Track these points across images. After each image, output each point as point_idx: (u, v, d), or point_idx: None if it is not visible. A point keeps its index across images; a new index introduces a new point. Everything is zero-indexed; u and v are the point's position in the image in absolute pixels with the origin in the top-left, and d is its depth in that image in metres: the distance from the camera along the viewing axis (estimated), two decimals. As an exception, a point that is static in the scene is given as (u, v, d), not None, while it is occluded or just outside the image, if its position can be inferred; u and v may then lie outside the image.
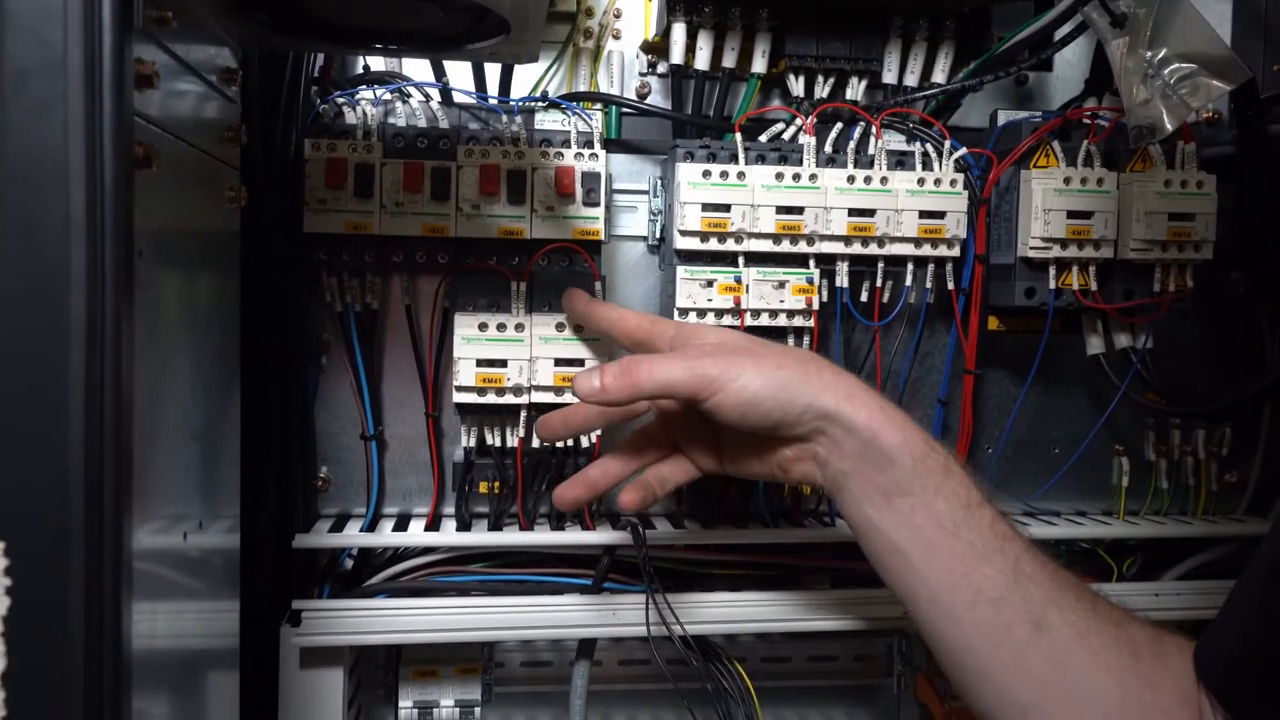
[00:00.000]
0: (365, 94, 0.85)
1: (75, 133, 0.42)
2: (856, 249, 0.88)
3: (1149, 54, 0.80)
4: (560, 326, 0.84)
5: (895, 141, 0.91)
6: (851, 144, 0.89)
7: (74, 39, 0.42)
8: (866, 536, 0.67)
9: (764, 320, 0.87)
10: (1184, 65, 0.80)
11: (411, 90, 0.87)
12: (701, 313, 0.86)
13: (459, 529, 0.89)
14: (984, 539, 0.62)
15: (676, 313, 0.86)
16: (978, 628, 0.62)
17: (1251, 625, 0.59)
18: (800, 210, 0.86)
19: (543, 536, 0.88)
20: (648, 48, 0.93)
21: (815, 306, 0.87)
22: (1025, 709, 0.61)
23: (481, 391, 0.84)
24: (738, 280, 0.86)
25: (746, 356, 0.65)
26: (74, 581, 0.42)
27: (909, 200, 0.87)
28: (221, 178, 0.68)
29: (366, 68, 0.89)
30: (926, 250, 0.88)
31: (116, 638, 0.44)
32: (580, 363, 0.84)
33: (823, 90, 0.91)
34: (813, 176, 0.86)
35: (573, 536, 0.88)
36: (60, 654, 0.42)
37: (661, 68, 0.93)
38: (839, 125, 0.90)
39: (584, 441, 0.88)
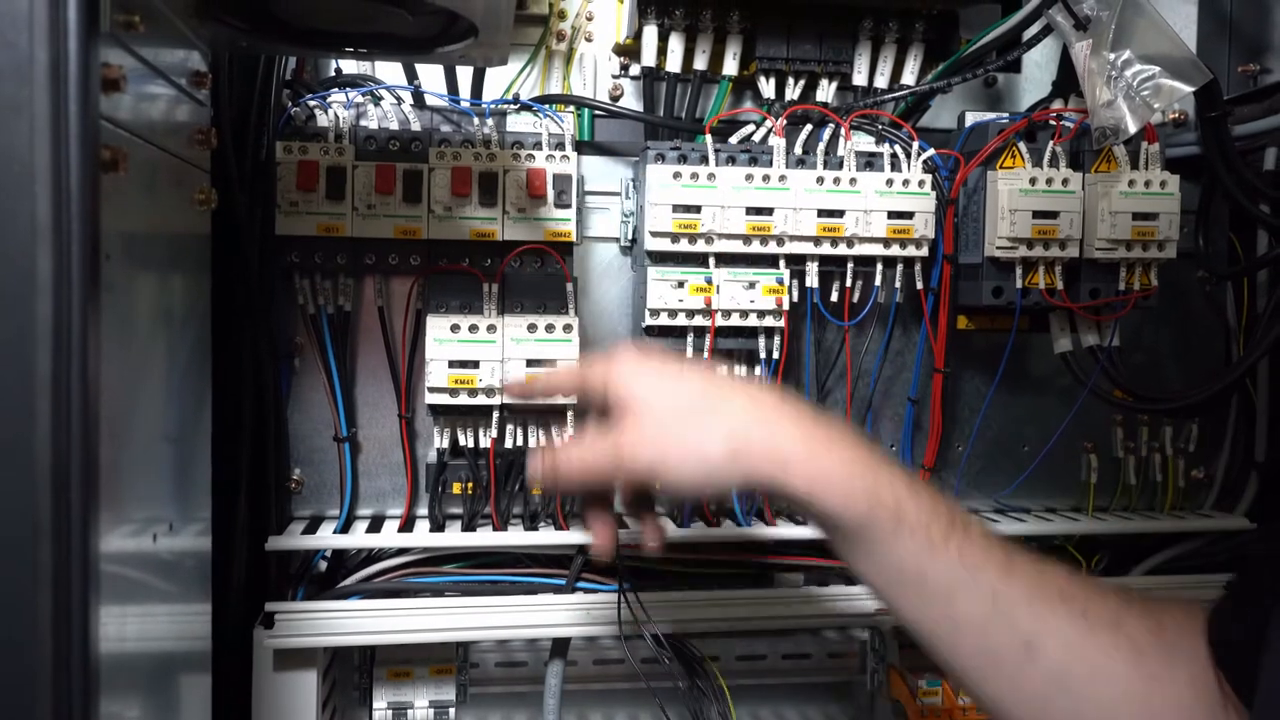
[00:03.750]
0: (337, 97, 0.86)
1: (41, 136, 0.42)
2: (826, 249, 0.89)
3: (1112, 56, 0.81)
4: (532, 327, 0.84)
5: (864, 143, 0.91)
6: (821, 145, 0.90)
7: (39, 43, 0.42)
8: (852, 572, 0.66)
9: (735, 320, 0.87)
10: (1146, 67, 0.81)
11: (383, 93, 0.87)
12: (673, 313, 0.87)
13: (432, 530, 0.89)
14: (954, 575, 0.59)
15: (648, 314, 0.86)
16: (969, 657, 0.61)
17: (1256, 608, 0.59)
18: (770, 211, 0.87)
19: (516, 537, 0.88)
20: (620, 50, 0.94)
21: (786, 307, 0.88)
22: None
23: (454, 392, 0.84)
24: (708, 281, 0.87)
25: (673, 439, 0.61)
26: (41, 583, 0.42)
27: (878, 201, 0.88)
28: (192, 181, 0.68)
29: (338, 70, 0.90)
30: (895, 250, 0.89)
31: (84, 639, 0.44)
32: (552, 363, 0.85)
33: (793, 92, 0.92)
34: (782, 178, 0.87)
35: (546, 537, 0.89)
36: (28, 655, 0.42)
37: (634, 70, 0.94)
38: (809, 127, 0.91)
39: (556, 442, 0.88)
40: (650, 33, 0.89)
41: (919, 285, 0.92)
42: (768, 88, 0.92)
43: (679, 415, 0.61)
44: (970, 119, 0.94)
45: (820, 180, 0.87)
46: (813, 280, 0.90)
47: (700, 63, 0.91)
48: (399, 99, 0.87)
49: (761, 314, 0.88)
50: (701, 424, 0.60)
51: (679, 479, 0.61)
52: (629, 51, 0.93)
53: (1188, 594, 0.97)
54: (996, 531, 0.64)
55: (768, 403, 0.62)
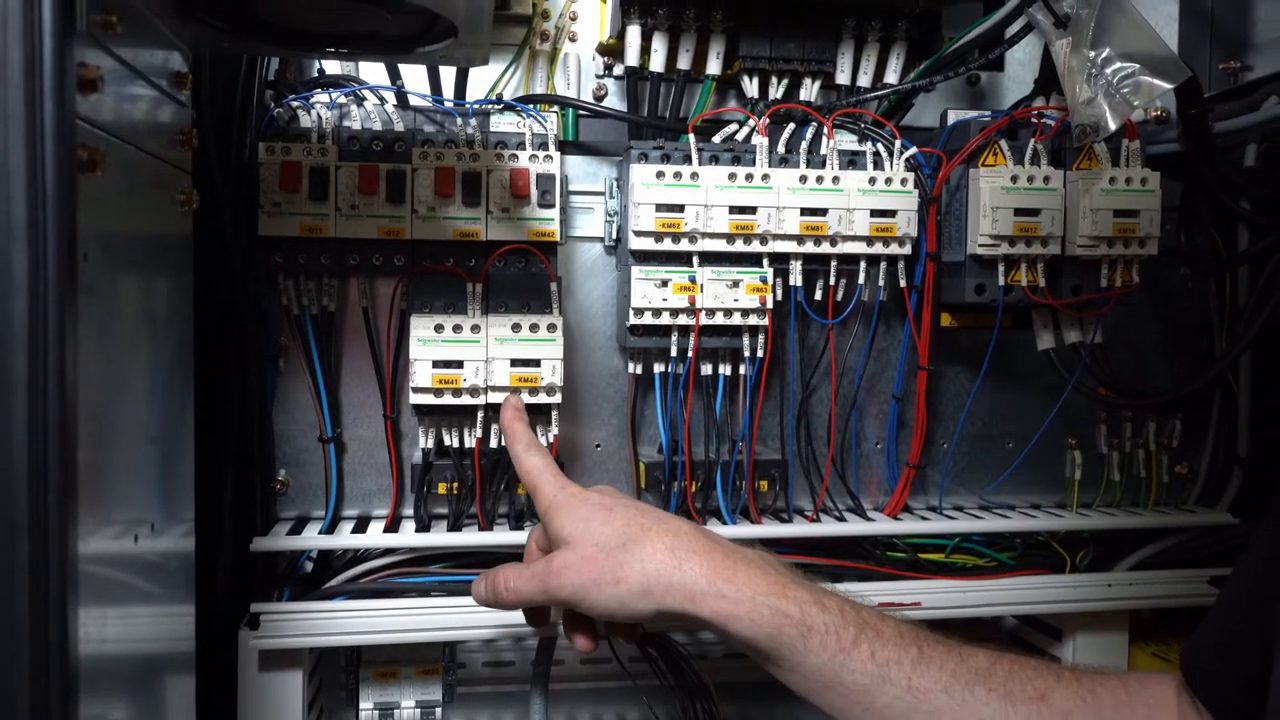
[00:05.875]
0: (320, 97, 0.86)
1: (15, 136, 0.42)
2: (809, 248, 0.89)
3: (1092, 54, 0.82)
4: (516, 327, 0.84)
5: (847, 141, 0.92)
6: (804, 144, 0.90)
7: (13, 42, 0.42)
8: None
9: (719, 319, 0.88)
10: (1126, 64, 0.81)
11: (366, 93, 0.87)
12: (657, 312, 0.87)
13: (418, 530, 0.89)
14: (868, 674, 0.64)
15: (632, 313, 0.87)
16: None
17: (1238, 627, 0.62)
18: (753, 210, 0.87)
19: (502, 536, 0.89)
20: (604, 50, 0.94)
21: (770, 305, 0.88)
22: None
23: (438, 392, 0.84)
24: (692, 280, 0.87)
25: (590, 575, 0.67)
26: (19, 583, 0.42)
27: (860, 199, 0.88)
28: (173, 181, 0.68)
29: (321, 71, 0.90)
30: (878, 248, 0.90)
31: (63, 640, 0.44)
32: (537, 363, 0.85)
33: (777, 91, 0.93)
34: (765, 176, 0.87)
35: (532, 536, 0.89)
36: (5, 657, 0.42)
37: (618, 70, 0.94)
38: (792, 126, 0.91)
39: (542, 441, 0.88)
40: (634, 32, 0.89)
41: (902, 283, 0.92)
42: (751, 87, 0.92)
43: (601, 551, 0.67)
44: (952, 117, 0.94)
45: (803, 179, 0.88)
46: (796, 279, 0.90)
47: (684, 62, 0.91)
48: (382, 99, 0.88)
49: (745, 313, 0.88)
50: (619, 561, 0.66)
51: (596, 608, 0.67)
52: (613, 51, 0.93)
53: (1172, 589, 0.98)
54: (914, 624, 0.67)
55: (683, 540, 0.67)
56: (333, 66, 0.89)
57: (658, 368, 0.91)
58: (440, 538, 0.88)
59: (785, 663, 0.65)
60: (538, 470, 0.75)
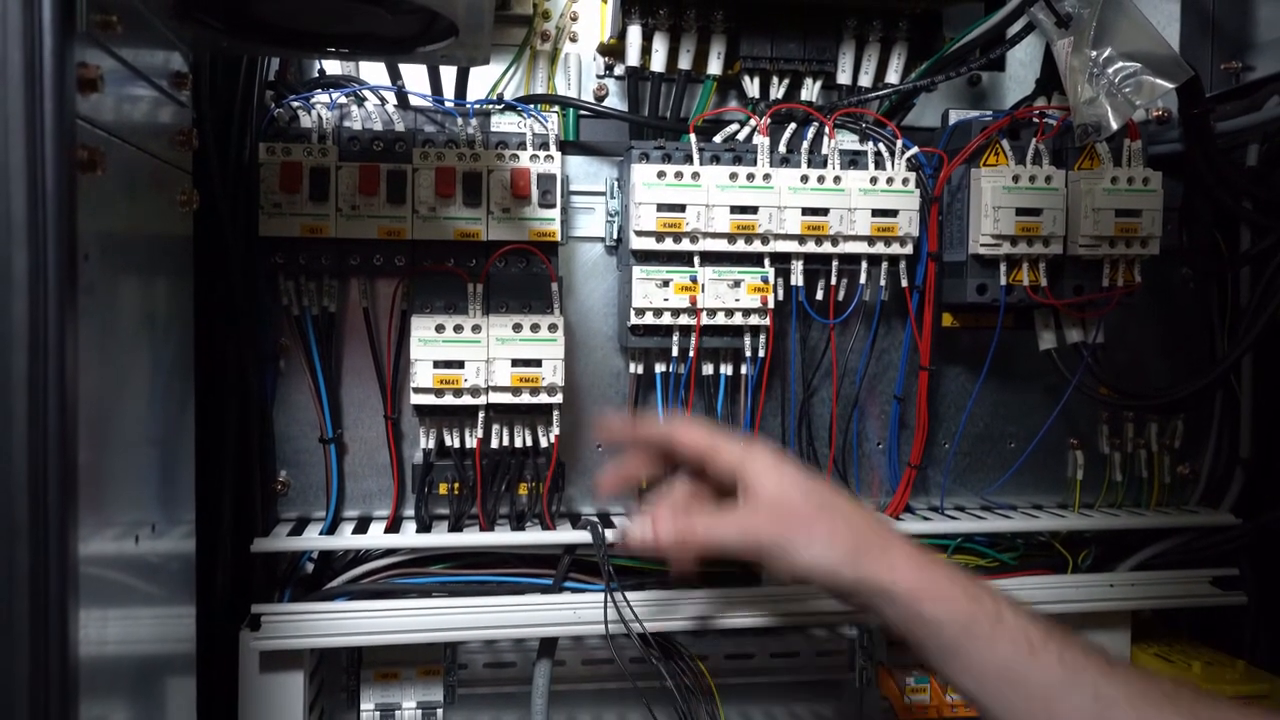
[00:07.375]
0: (321, 97, 0.85)
1: (15, 136, 0.42)
2: (811, 248, 0.89)
3: (1094, 53, 0.82)
4: (517, 327, 0.84)
5: (848, 141, 0.92)
6: (805, 144, 0.90)
7: (13, 42, 0.42)
8: (942, 679, 0.71)
9: (720, 319, 0.87)
10: (1128, 64, 0.81)
11: (367, 94, 0.87)
12: (658, 312, 0.87)
13: (419, 531, 0.89)
14: (1055, 676, 0.62)
15: (633, 313, 0.86)
16: None
17: None
18: (754, 210, 0.87)
19: (503, 537, 0.88)
20: (604, 50, 0.94)
21: (771, 305, 0.88)
22: None
23: (439, 393, 0.84)
24: (693, 280, 0.87)
25: (800, 526, 0.68)
26: (18, 585, 0.42)
27: (862, 199, 0.88)
28: (173, 182, 0.68)
29: (322, 71, 0.89)
30: (880, 248, 0.89)
31: (63, 642, 0.44)
32: (538, 363, 0.84)
33: (778, 91, 0.92)
34: (766, 176, 0.87)
35: (533, 536, 0.89)
36: (4, 659, 0.42)
37: (618, 70, 0.94)
38: (793, 125, 0.91)
39: (543, 441, 0.88)
40: (634, 32, 0.89)
41: (904, 283, 0.92)
42: (752, 87, 0.92)
43: (812, 508, 0.69)
44: (954, 117, 0.94)
45: (804, 179, 0.88)
46: (798, 279, 0.90)
47: (685, 62, 0.91)
48: (383, 100, 0.87)
49: (747, 312, 0.88)
50: (831, 520, 0.68)
51: (797, 563, 0.67)
52: (613, 51, 0.93)
53: (1174, 589, 0.98)
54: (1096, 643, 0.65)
55: (879, 520, 0.70)
56: (333, 67, 0.89)
57: (659, 368, 0.91)
58: (441, 538, 0.88)
59: (965, 653, 0.64)
60: (708, 432, 0.74)
